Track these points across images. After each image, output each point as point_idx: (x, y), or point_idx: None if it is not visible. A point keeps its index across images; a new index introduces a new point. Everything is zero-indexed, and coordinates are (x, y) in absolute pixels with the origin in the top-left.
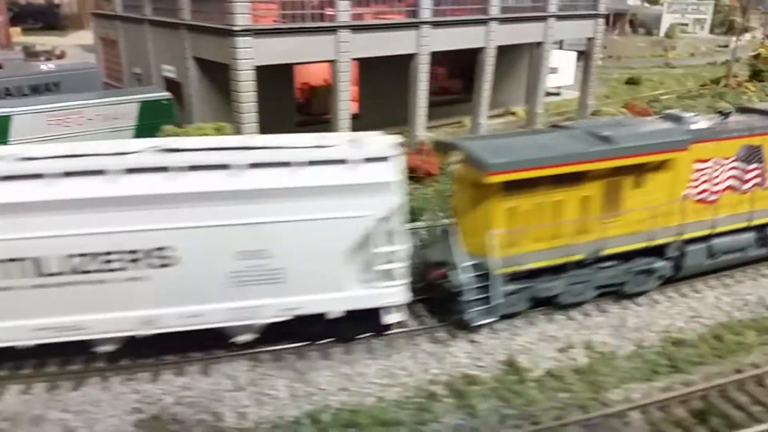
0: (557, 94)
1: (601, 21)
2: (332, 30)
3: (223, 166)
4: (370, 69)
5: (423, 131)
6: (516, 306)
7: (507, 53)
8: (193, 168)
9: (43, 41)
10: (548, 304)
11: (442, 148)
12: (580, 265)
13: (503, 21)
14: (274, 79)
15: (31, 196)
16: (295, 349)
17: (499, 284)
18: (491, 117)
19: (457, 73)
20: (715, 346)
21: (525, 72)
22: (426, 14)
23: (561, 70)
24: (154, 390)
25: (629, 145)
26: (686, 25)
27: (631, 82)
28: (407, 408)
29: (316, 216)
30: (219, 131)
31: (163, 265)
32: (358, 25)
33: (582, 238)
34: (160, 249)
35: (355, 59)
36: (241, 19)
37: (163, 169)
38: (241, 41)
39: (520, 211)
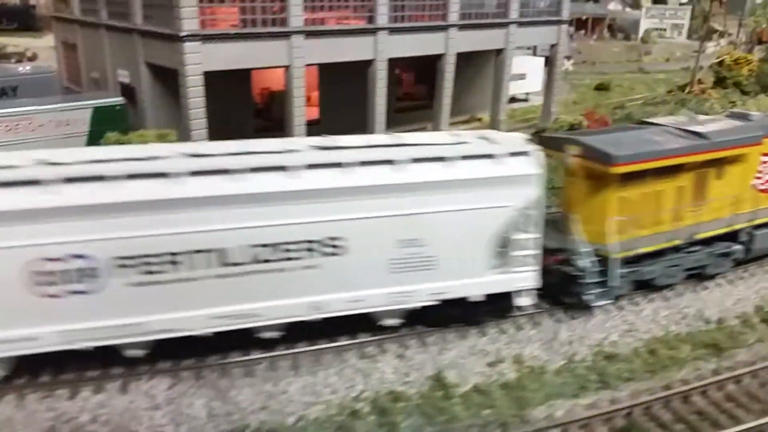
0: (525, 100)
1: (565, 27)
2: (285, 35)
3: (389, 162)
4: (330, 74)
5: None
6: (622, 289)
7: (472, 59)
8: (364, 164)
9: (17, 42)
10: (647, 287)
11: (554, 143)
12: (675, 249)
13: (463, 27)
14: (231, 83)
15: (220, 190)
16: (218, 366)
17: (617, 268)
18: (456, 123)
19: (423, 79)
20: (648, 361)
21: (491, 78)
22: (383, 20)
23: (529, 76)
24: (70, 408)
25: (720, 140)
26: (664, 30)
27: (601, 87)
28: (327, 427)
29: (467, 206)
30: (162, 138)
31: (334, 254)
32: (312, 30)
33: (678, 225)
34: (332, 239)
35: (310, 65)
36: (188, 24)
37: (337, 164)
38: (189, 47)
39: (630, 201)
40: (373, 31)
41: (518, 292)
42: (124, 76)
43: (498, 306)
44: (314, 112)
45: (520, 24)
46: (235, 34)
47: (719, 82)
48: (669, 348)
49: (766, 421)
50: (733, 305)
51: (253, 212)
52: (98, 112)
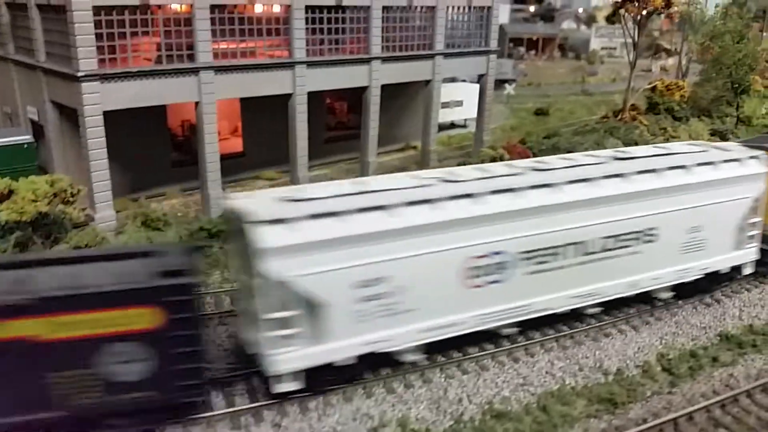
0: (464, 126)
1: (494, 57)
2: (193, 71)
3: (683, 167)
4: (254, 106)
5: (305, 171)
6: None
7: (405, 88)
8: (670, 168)
9: None
10: None
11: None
12: None
13: (387, 60)
14: (146, 117)
15: (586, 195)
16: None
17: None
18: (390, 152)
19: (357, 108)
20: (539, 419)
21: None
22: (300, 54)
23: (466, 102)
24: None
25: None
26: (614, 48)
27: (540, 113)
28: None
29: (727, 198)
30: (53, 184)
31: (650, 241)
32: (223, 66)
33: None
34: (650, 229)
35: (226, 99)
36: (86, 63)
37: (652, 170)
38: (87, 86)
39: None
40: (290, 65)
41: (744, 264)
42: (32, 113)
43: (729, 276)
44: (239, 145)
45: (447, 55)
46: (139, 71)
47: (651, 108)
48: (562, 404)
49: None
50: (635, 354)
51: (606, 211)
52: (6, 150)
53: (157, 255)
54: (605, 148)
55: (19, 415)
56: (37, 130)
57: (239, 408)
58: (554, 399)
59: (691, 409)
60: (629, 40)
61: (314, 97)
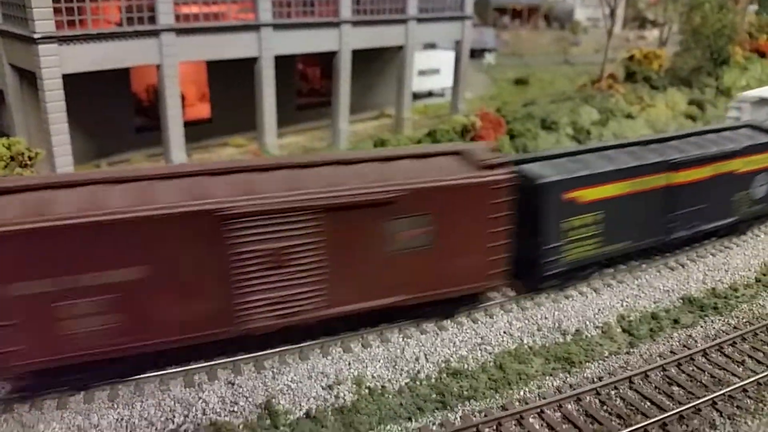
0: (442, 95)
1: (469, 23)
2: (154, 33)
3: None
4: (222, 71)
5: (273, 138)
6: None
7: (380, 54)
8: None
9: None
10: None
11: None
12: None
13: (357, 24)
14: (107, 81)
15: None
16: (27, 398)
17: None
18: (364, 120)
19: (330, 74)
20: (495, 377)
21: None
22: (266, 16)
23: (443, 71)
24: None
25: None
26: (599, 19)
27: (520, 82)
28: None
29: None
30: (10, 147)
31: None
32: (185, 27)
33: None
34: None
35: (191, 62)
36: (42, 25)
37: None
38: (44, 49)
39: None
40: (256, 28)
41: None
42: None
43: None
44: (206, 110)
45: (420, 20)
46: (98, 34)
47: (629, 76)
48: (519, 362)
49: None
50: (594, 315)
51: None
52: None
53: None
54: (580, 116)
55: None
56: None
57: (192, 366)
58: (511, 358)
59: (647, 367)
60: (607, 11)
61: (285, 63)
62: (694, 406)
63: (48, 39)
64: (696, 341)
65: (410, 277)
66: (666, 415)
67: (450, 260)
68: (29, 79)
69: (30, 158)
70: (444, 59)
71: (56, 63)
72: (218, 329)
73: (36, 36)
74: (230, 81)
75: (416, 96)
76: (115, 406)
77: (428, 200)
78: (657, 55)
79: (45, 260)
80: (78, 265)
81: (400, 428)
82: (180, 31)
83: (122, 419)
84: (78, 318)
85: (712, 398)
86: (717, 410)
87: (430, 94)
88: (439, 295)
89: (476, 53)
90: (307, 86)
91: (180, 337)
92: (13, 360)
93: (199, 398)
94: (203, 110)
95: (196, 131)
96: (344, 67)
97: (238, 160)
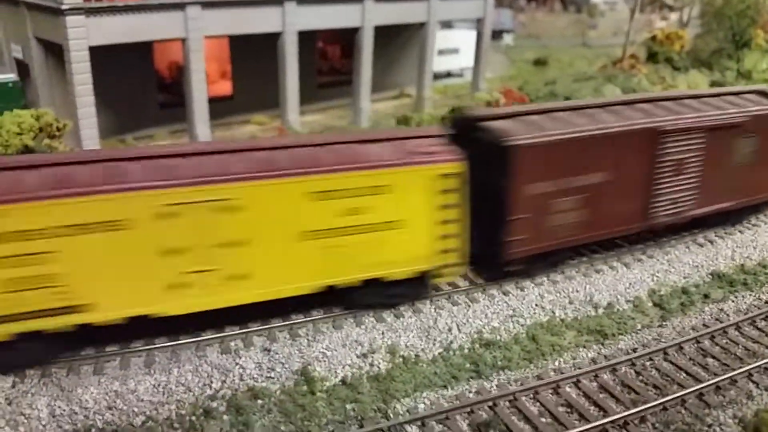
0: (460, 75)
1: (491, 1)
2: (180, 6)
3: None
4: (244, 47)
5: (296, 115)
6: None
7: (401, 32)
8: None
9: None
10: None
11: None
12: None
13: None
14: (131, 56)
15: None
16: (66, 364)
17: None
18: (384, 99)
19: (350, 52)
20: (528, 348)
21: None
22: None
23: (463, 50)
24: None
25: None
26: (615, 3)
27: (539, 63)
28: (177, 427)
29: None
30: (39, 119)
31: None
32: (211, 0)
33: None
34: None
35: (211, 37)
36: None
37: None
38: (71, 20)
39: None
40: (280, 2)
41: None
42: (17, 52)
43: None
44: (228, 87)
45: None
46: (125, 6)
47: (651, 57)
48: (552, 334)
49: (634, 412)
50: (626, 289)
51: None
52: None
53: None
54: (603, 95)
55: None
56: (23, 69)
57: (227, 333)
58: (543, 330)
59: (680, 339)
60: None
61: (306, 41)
62: (730, 377)
63: (76, 10)
64: (728, 315)
65: (740, 186)
66: (702, 385)
67: (759, 174)
68: (55, 52)
69: (58, 129)
70: (463, 39)
71: (83, 35)
72: (635, 224)
73: (64, 7)
74: (252, 58)
75: (435, 76)
76: (152, 372)
77: (756, 125)
78: (679, 36)
79: (554, 165)
80: (571, 170)
81: (436, 395)
82: (205, 4)
83: (159, 385)
84: (560, 213)
85: (747, 370)
86: (753, 382)
87: (448, 74)
88: (754, 201)
89: (494, 34)
90: (326, 64)
91: (614, 230)
92: (520, 246)
93: (236, 364)
94: (225, 87)
95: (218, 108)
96: (366, 44)
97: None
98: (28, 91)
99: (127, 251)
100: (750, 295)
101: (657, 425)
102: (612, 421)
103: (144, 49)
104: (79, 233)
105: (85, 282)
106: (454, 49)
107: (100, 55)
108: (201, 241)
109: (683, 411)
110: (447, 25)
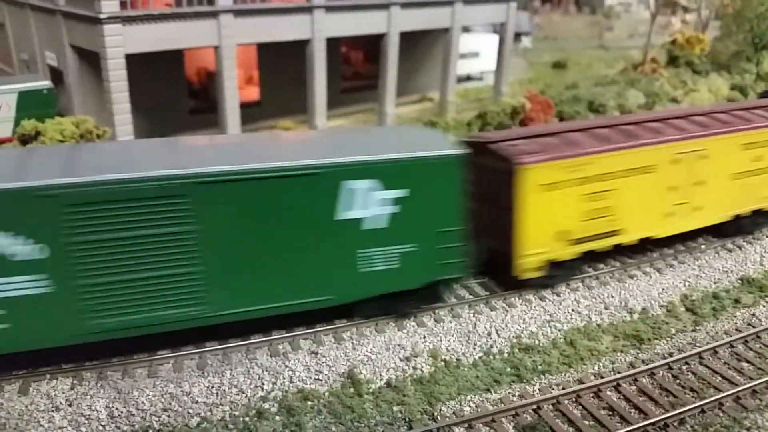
0: (480, 78)
1: (513, 5)
2: (213, 14)
3: None
4: (271, 53)
5: (323, 120)
6: None
7: (423, 37)
8: None
9: None
10: None
11: None
12: None
13: (406, 6)
14: (162, 64)
15: None
16: (121, 367)
17: None
18: (407, 104)
19: (373, 57)
20: (566, 353)
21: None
22: None
23: (483, 54)
24: None
25: None
26: (630, 4)
27: (558, 65)
28: (232, 428)
29: None
30: (78, 126)
31: None
32: (242, 9)
33: None
34: None
35: (242, 45)
36: (108, 6)
37: None
38: (109, 29)
39: None
40: (309, 10)
41: None
42: (51, 59)
43: None
44: (255, 93)
45: (467, 2)
46: (160, 14)
47: (672, 61)
48: (589, 339)
49: (673, 414)
50: (659, 294)
51: None
52: (24, 96)
53: None
54: (627, 99)
55: None
56: (56, 76)
57: (275, 337)
58: (581, 335)
59: (715, 344)
60: None
61: (330, 46)
62: (766, 381)
63: (113, 19)
64: (760, 320)
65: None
66: (739, 389)
67: None
68: (90, 59)
69: (98, 136)
70: (484, 42)
71: (120, 43)
72: None
73: (102, 16)
74: (279, 64)
75: (456, 80)
76: (205, 374)
77: None
78: (699, 40)
79: None
80: None
81: (480, 398)
82: (238, 13)
83: (212, 387)
84: None
85: None
86: None
87: (468, 77)
88: None
89: (513, 37)
90: (350, 70)
91: None
92: None
93: (286, 366)
94: (252, 93)
95: (245, 114)
96: (392, 50)
97: None
98: (61, 98)
99: (650, 189)
100: None
101: (696, 427)
102: (652, 423)
103: (175, 57)
104: (627, 175)
105: (623, 212)
106: (474, 53)
107: (133, 62)
108: (686, 181)
109: (721, 414)
110: (466, 29)
